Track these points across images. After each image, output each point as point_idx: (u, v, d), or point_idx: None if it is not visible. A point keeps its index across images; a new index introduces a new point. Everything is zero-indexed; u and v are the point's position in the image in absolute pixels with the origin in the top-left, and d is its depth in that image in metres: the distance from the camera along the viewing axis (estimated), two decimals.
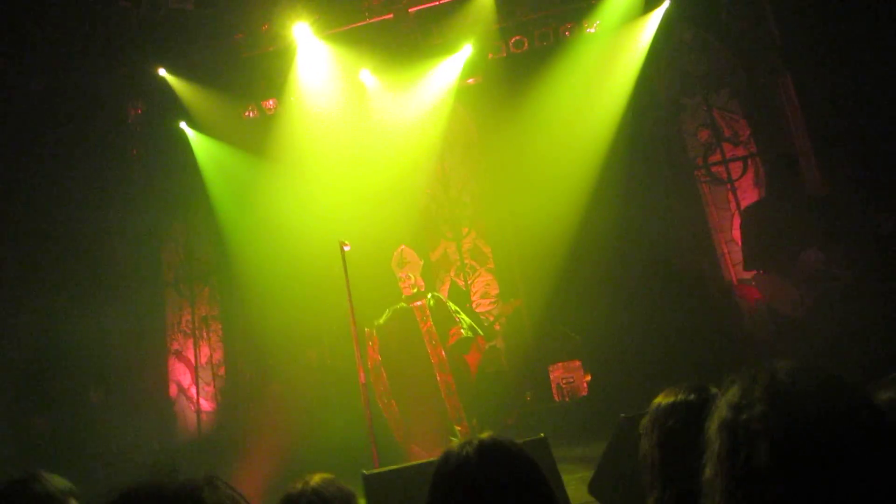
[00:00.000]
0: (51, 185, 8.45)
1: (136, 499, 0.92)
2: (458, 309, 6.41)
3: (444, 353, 6.11)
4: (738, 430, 0.93)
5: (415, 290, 6.38)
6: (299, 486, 1.86)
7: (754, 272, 7.25)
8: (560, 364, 7.85)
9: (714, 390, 1.64)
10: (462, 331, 6.19)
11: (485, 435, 1.49)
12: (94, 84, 8.59)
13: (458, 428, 5.86)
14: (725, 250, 8.45)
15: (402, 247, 6.49)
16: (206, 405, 9.42)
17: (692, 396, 1.67)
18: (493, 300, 9.15)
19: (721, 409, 0.98)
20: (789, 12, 7.76)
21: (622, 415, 3.80)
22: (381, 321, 6.33)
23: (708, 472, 0.99)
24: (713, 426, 1.00)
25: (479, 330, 6.33)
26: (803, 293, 5.14)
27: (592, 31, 8.49)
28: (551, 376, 7.74)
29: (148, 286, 9.47)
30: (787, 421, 0.89)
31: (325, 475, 1.90)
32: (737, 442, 0.93)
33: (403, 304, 6.36)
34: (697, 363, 6.65)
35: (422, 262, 6.52)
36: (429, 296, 6.42)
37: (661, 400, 1.73)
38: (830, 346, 5.02)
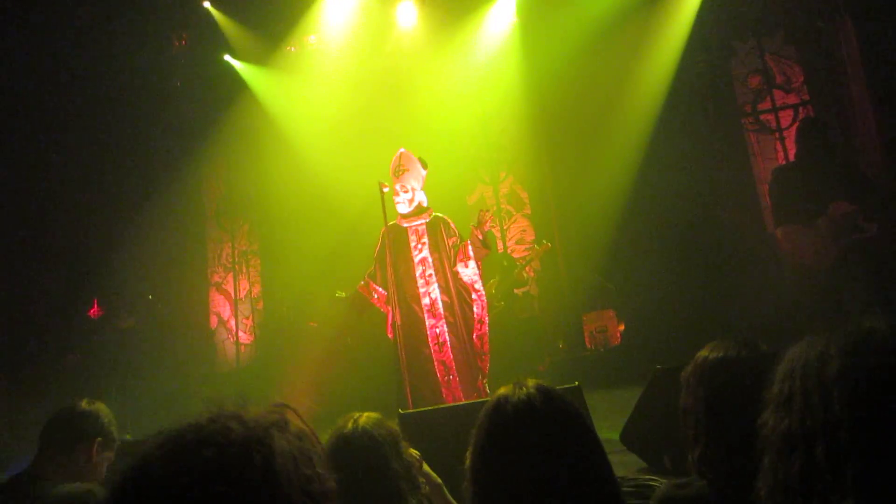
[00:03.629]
0: (94, 104, 8.45)
1: (195, 447, 0.72)
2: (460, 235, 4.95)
3: (441, 285, 4.83)
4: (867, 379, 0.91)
5: (413, 207, 4.95)
6: (349, 425, 1.88)
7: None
8: (594, 313, 7.83)
9: (764, 347, 1.60)
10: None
11: (532, 381, 1.48)
12: (138, 11, 8.49)
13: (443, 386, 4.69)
14: (769, 202, 8.22)
15: (402, 150, 5.06)
16: (244, 338, 9.70)
17: (743, 353, 1.60)
18: (528, 246, 9.11)
19: (830, 360, 0.95)
20: None
21: (658, 366, 3.80)
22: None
23: (788, 421, 0.97)
24: (819, 376, 0.96)
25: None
26: (828, 244, 4.97)
27: None
28: (585, 325, 7.74)
29: (190, 217, 9.63)
30: None
31: (372, 414, 1.93)
32: (862, 390, 0.91)
33: (395, 223, 5.02)
34: (735, 317, 6.59)
35: (424, 172, 5.03)
36: (431, 216, 5.01)
37: (708, 354, 1.66)
38: (855, 300, 4.90)
